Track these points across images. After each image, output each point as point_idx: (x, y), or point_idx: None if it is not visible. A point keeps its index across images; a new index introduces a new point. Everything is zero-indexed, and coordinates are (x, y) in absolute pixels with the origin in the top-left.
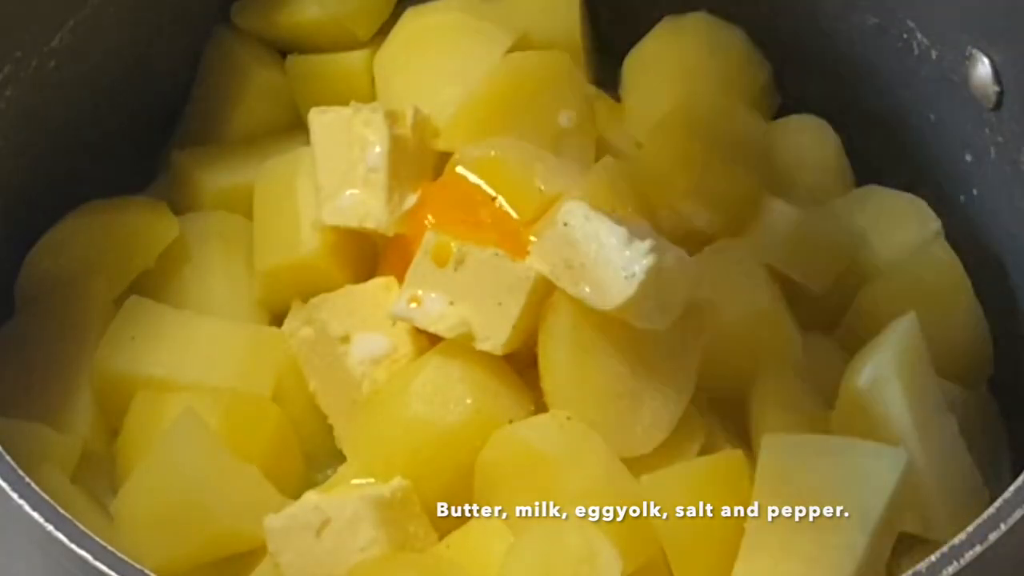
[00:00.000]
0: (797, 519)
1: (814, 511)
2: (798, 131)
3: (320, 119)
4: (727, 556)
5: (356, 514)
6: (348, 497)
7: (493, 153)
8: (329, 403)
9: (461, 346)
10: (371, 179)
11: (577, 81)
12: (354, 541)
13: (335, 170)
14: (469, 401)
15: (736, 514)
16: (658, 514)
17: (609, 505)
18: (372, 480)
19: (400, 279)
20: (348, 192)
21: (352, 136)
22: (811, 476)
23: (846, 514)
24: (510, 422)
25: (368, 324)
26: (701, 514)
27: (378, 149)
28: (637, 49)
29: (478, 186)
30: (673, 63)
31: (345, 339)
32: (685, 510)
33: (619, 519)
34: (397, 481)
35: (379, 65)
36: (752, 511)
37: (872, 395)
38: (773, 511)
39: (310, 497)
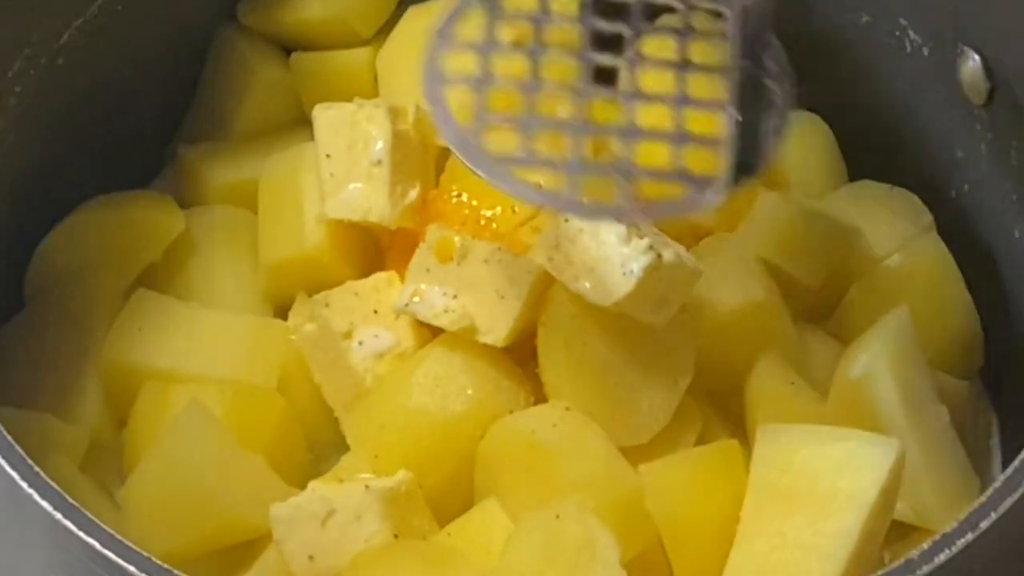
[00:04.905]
0: (792, 508)
1: (808, 500)
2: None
3: (324, 115)
4: (723, 544)
5: (361, 505)
6: (354, 489)
7: None
8: (334, 397)
9: (462, 338)
10: (374, 173)
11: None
12: (359, 532)
13: (339, 165)
14: (470, 392)
15: (732, 503)
16: (655, 503)
17: (607, 493)
18: (374, 470)
19: (403, 274)
20: (352, 186)
21: (356, 131)
22: (805, 465)
23: (840, 503)
24: (510, 412)
25: (371, 319)
26: (697, 503)
27: (381, 144)
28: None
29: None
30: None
31: (348, 334)
32: (682, 499)
33: (617, 507)
34: (402, 474)
35: (382, 63)
36: (748, 500)
37: (865, 386)
38: (768, 500)
39: (315, 487)
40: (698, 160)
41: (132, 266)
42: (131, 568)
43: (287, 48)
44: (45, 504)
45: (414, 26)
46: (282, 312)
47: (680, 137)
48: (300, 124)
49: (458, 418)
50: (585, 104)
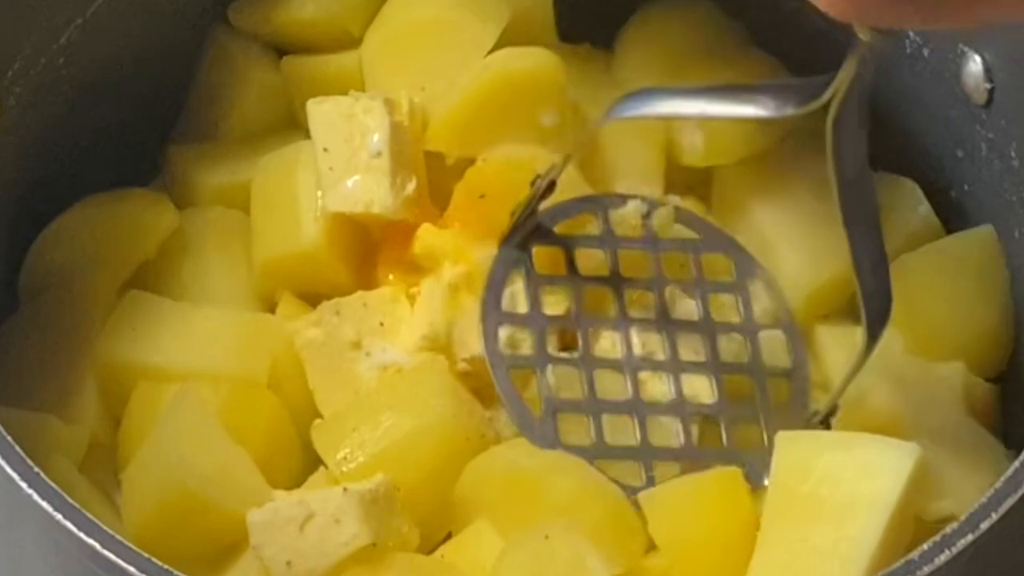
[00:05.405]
0: (812, 514)
1: (829, 505)
2: None
3: (318, 109)
4: (727, 571)
5: (340, 509)
6: (332, 492)
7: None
8: (326, 404)
9: (442, 359)
10: (374, 165)
11: (559, 82)
12: (338, 536)
13: (338, 158)
14: (442, 407)
15: (736, 530)
16: (658, 530)
17: (593, 510)
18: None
19: (399, 269)
20: (352, 179)
21: (352, 124)
22: (826, 471)
23: (860, 508)
24: (482, 435)
25: (376, 332)
26: (701, 530)
27: (379, 136)
28: (633, 22)
29: None
30: (669, 39)
31: (356, 345)
32: (685, 526)
33: (604, 522)
34: (380, 477)
35: (366, 53)
36: (768, 506)
37: (868, 397)
38: (789, 506)
39: (292, 491)
40: (746, 436)
41: (127, 263)
42: (131, 568)
43: (279, 50)
44: (45, 504)
45: (396, 13)
46: (274, 311)
47: (727, 410)
48: (291, 127)
49: (428, 430)
50: (635, 377)
